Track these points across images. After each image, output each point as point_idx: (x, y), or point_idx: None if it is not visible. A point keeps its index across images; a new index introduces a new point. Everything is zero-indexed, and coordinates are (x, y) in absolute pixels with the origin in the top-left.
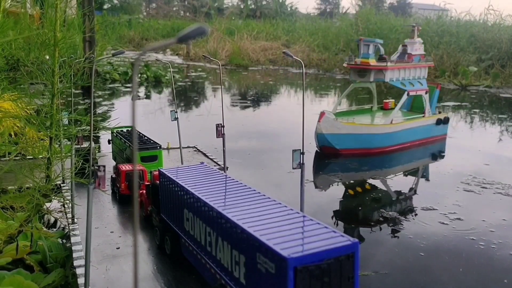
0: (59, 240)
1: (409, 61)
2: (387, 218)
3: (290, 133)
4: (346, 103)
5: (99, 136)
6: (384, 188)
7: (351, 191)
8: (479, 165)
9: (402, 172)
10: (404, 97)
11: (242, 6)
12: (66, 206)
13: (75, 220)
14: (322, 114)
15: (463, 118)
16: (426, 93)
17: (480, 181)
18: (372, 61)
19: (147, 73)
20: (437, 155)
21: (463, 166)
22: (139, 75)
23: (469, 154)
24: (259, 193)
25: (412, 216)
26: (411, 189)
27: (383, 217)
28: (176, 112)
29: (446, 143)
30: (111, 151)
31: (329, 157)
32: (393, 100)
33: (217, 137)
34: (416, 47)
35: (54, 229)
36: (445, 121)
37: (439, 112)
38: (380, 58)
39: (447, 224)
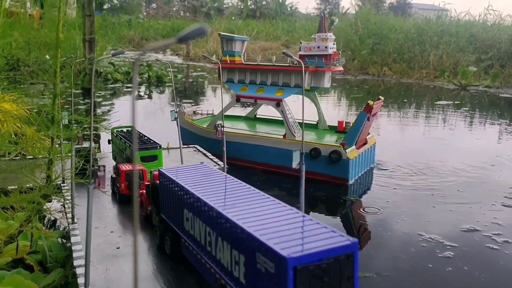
0: (59, 240)
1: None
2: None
3: None
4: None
5: (99, 136)
6: None
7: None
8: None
9: None
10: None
11: (242, 6)
12: (66, 206)
13: (75, 220)
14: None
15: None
16: (277, 105)
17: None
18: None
19: (149, 73)
20: None
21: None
22: (140, 75)
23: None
24: (259, 192)
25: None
26: None
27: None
28: (176, 112)
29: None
30: (111, 151)
31: None
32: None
33: (217, 137)
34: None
35: (54, 229)
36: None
37: (342, 143)
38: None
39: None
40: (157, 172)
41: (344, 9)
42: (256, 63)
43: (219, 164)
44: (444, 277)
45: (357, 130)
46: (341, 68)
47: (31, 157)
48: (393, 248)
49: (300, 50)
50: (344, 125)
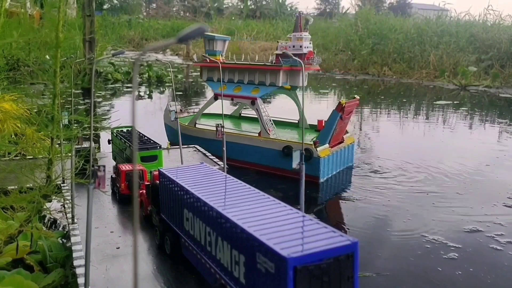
0: (59, 240)
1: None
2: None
3: None
4: None
5: (99, 136)
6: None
7: None
8: None
9: None
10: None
11: (242, 6)
12: (66, 206)
13: (75, 220)
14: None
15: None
16: (252, 103)
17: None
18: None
19: (149, 73)
20: None
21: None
22: (140, 75)
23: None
24: (259, 192)
25: None
26: None
27: None
28: (176, 112)
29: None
30: (111, 151)
31: None
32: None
33: (217, 137)
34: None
35: (54, 229)
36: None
37: (314, 142)
38: None
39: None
40: (157, 172)
41: (344, 9)
42: (234, 62)
43: (219, 164)
44: (451, 279)
45: (329, 129)
46: (317, 67)
47: (31, 157)
48: (397, 249)
49: (277, 49)
50: (323, 124)
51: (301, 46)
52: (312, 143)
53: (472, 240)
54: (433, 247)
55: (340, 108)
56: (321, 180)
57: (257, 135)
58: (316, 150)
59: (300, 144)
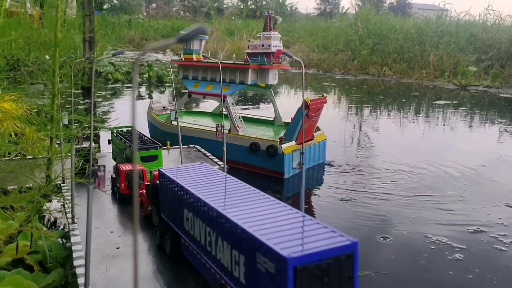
0: (59, 240)
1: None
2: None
3: None
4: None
5: (99, 136)
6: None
7: None
8: None
9: None
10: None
11: (242, 6)
12: (66, 206)
13: (75, 220)
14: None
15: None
16: (222, 100)
17: None
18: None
19: (149, 73)
20: None
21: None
22: (141, 75)
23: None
24: (259, 192)
25: None
26: None
27: None
28: (176, 112)
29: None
30: (111, 151)
31: None
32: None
33: (217, 137)
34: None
35: (54, 229)
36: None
37: (280, 138)
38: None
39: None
40: (157, 172)
41: (344, 9)
42: (206, 60)
43: (219, 164)
44: (458, 281)
45: (295, 126)
46: (287, 66)
47: (31, 157)
48: (401, 250)
49: (248, 48)
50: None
51: (269, 45)
52: (277, 140)
53: (476, 241)
54: (437, 248)
55: (305, 106)
56: (286, 176)
57: (227, 131)
58: (281, 146)
59: (266, 141)
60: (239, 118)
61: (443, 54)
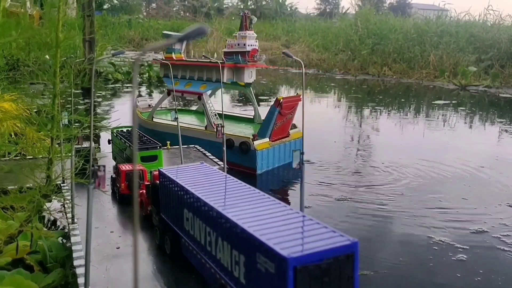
0: (59, 240)
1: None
2: None
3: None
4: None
5: (99, 136)
6: None
7: None
8: None
9: None
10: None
11: (242, 6)
12: (66, 206)
13: (75, 220)
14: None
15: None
16: (199, 98)
17: None
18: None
19: (150, 73)
20: None
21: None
22: (141, 75)
23: None
24: (259, 192)
25: None
26: None
27: None
28: (176, 112)
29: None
30: (111, 151)
31: None
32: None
33: (217, 137)
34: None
35: (54, 229)
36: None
37: (253, 135)
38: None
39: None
40: (157, 172)
41: (344, 9)
42: (184, 59)
43: (219, 164)
44: (464, 282)
45: (268, 123)
46: (262, 64)
47: (31, 157)
48: (404, 251)
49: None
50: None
51: (244, 44)
52: (251, 136)
53: (478, 241)
54: (440, 249)
55: (277, 103)
56: (258, 172)
57: (204, 128)
58: (253, 143)
59: (239, 137)
60: (215, 115)
61: (443, 54)
